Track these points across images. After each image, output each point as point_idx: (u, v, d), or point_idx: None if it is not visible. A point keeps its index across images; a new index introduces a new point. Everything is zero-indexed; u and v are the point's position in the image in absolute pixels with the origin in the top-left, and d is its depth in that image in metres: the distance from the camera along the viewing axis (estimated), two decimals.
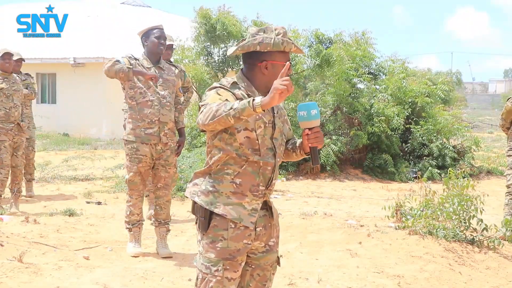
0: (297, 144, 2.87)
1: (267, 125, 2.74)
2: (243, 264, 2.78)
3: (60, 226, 6.21)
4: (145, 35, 5.22)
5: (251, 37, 2.73)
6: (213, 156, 2.74)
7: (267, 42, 2.70)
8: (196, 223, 2.78)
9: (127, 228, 5.32)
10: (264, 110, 2.52)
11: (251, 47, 2.72)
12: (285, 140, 2.87)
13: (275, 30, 2.74)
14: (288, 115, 2.97)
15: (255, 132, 2.69)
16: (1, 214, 6.64)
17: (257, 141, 2.70)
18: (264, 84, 2.72)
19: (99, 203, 8.05)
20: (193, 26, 14.06)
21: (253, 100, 2.49)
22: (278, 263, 2.91)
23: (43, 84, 21.29)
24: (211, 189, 2.72)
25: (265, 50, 2.71)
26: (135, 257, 5.22)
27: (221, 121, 2.54)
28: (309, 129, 2.72)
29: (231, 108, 2.51)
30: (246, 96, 2.70)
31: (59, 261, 4.81)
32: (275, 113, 2.80)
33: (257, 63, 2.73)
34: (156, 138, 5.16)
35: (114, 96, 18.47)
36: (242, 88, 2.74)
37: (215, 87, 2.71)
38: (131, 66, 5.05)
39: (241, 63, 2.84)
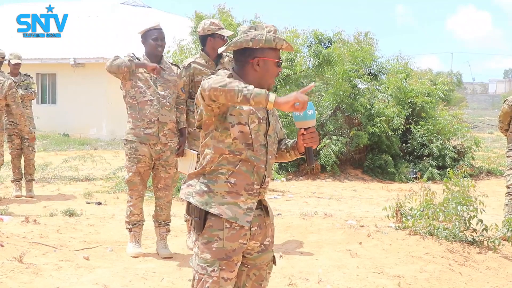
0: (291, 144, 2.88)
1: (261, 121, 2.75)
2: (239, 264, 2.77)
3: (60, 227, 6.21)
4: (144, 36, 5.21)
5: (243, 34, 2.75)
6: (205, 156, 2.74)
7: (259, 39, 2.72)
8: (191, 224, 2.78)
9: (127, 228, 5.32)
10: (269, 108, 2.51)
11: (243, 44, 2.73)
12: (277, 139, 2.88)
13: (266, 27, 2.77)
14: (285, 116, 2.97)
15: (249, 126, 2.70)
16: (1, 214, 6.64)
17: (250, 136, 2.70)
18: (256, 81, 2.73)
19: (99, 203, 8.06)
20: (191, 29, 14.19)
21: (269, 93, 2.50)
22: (274, 263, 2.91)
23: (43, 84, 21.29)
24: (205, 189, 2.72)
25: (257, 47, 2.72)
26: (135, 257, 5.22)
27: (230, 93, 2.51)
28: (305, 129, 2.74)
29: (246, 87, 2.50)
30: None
31: (59, 261, 4.81)
32: (269, 110, 2.80)
33: (249, 59, 2.74)
34: (155, 139, 5.15)
35: (114, 96, 18.47)
36: None
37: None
38: (132, 59, 5.05)
39: None
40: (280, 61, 2.78)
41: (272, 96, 2.48)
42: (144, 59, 5.20)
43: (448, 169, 6.10)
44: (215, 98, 2.56)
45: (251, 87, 2.51)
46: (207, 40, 5.53)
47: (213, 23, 5.53)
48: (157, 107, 5.13)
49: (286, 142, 2.93)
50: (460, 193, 5.60)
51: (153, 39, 5.16)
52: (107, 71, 5.08)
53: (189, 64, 5.50)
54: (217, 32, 5.49)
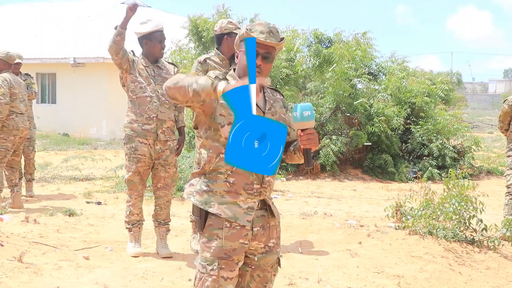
0: (297, 146, 2.88)
1: None
2: (240, 263, 2.77)
3: (60, 226, 6.22)
4: (147, 37, 5.20)
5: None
6: (204, 157, 2.76)
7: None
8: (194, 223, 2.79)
9: (127, 228, 5.32)
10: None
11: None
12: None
13: (260, 24, 2.79)
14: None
15: None
16: (1, 214, 6.64)
17: None
18: (242, 72, 2.76)
19: (99, 203, 8.06)
20: (185, 33, 14.35)
21: (216, 84, 2.52)
22: (279, 264, 2.90)
23: (43, 84, 21.29)
24: (205, 188, 2.73)
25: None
26: (135, 257, 5.22)
27: (181, 90, 2.54)
28: (302, 130, 2.71)
29: (196, 82, 2.53)
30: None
31: (59, 261, 4.81)
32: (266, 109, 2.80)
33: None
34: (153, 135, 5.16)
35: (114, 96, 18.48)
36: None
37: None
38: (117, 25, 5.05)
39: None
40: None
41: (221, 86, 2.50)
42: (141, 58, 5.21)
43: (449, 169, 6.08)
44: (173, 97, 2.59)
45: (202, 79, 2.54)
46: (224, 38, 5.48)
47: (231, 22, 5.51)
48: (156, 104, 5.14)
49: (295, 143, 2.92)
50: (459, 192, 5.60)
51: (159, 42, 5.17)
52: (111, 56, 5.06)
53: (205, 60, 5.43)
54: (234, 31, 5.45)
